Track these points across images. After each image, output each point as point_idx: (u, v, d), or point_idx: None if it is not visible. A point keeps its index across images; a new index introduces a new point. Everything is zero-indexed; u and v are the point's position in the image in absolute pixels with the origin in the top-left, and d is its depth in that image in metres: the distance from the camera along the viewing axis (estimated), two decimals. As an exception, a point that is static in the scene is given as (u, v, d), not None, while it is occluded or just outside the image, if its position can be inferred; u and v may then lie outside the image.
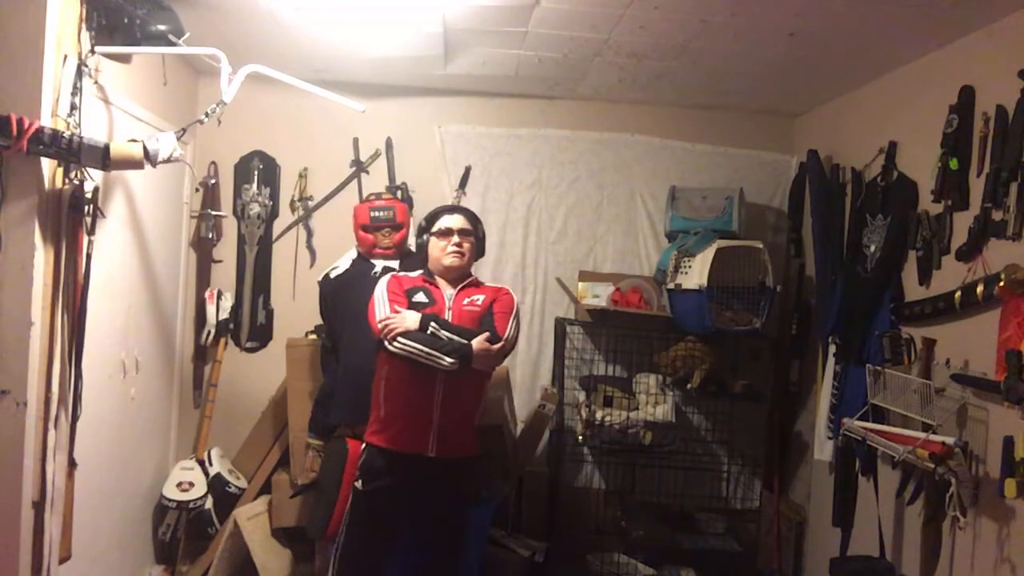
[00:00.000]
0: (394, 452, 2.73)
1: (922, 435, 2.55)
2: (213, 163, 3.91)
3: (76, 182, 2.47)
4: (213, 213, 3.88)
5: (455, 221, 2.88)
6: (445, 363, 2.61)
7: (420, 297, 2.80)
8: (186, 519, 3.55)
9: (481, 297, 2.85)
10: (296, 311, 3.90)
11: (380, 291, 2.80)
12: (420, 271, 2.92)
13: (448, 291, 2.84)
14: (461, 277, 2.88)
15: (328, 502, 3.07)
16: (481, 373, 2.81)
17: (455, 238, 2.84)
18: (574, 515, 3.87)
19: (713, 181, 4.00)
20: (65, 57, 2.40)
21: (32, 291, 2.32)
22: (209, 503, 3.57)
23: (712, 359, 3.62)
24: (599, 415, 3.62)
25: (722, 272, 3.54)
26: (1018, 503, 2.33)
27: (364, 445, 2.79)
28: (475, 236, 2.92)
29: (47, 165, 2.36)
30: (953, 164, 2.69)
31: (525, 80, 3.74)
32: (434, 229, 2.87)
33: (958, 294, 2.62)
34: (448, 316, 2.77)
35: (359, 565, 2.78)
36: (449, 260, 2.83)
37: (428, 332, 2.65)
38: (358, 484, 2.79)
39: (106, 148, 2.39)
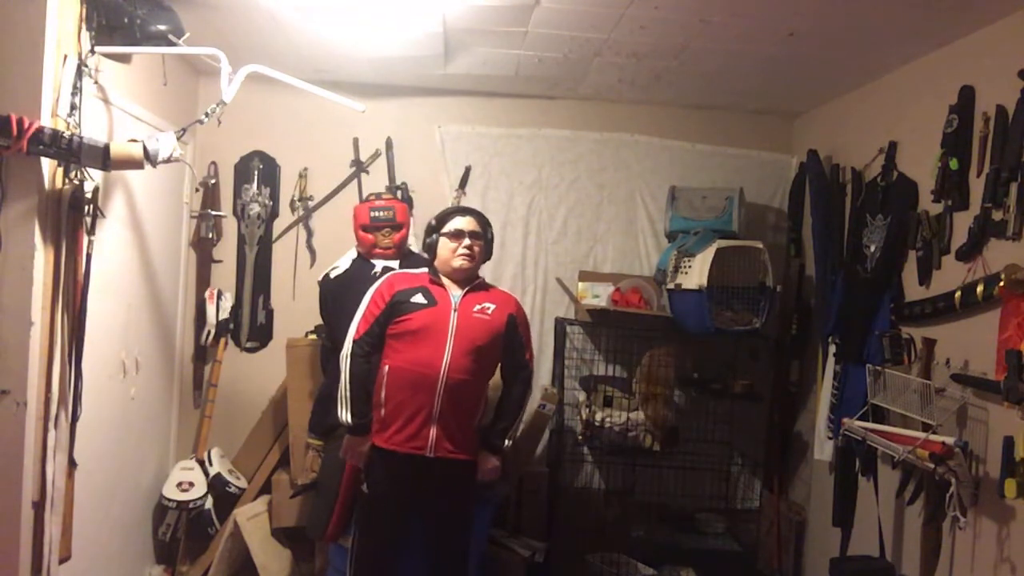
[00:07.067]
0: (394, 453, 2.73)
1: (922, 435, 2.55)
2: (213, 163, 3.91)
3: (76, 182, 2.47)
4: (213, 213, 3.88)
5: (467, 223, 2.87)
6: None
7: (419, 299, 2.78)
8: (186, 519, 3.55)
9: (492, 306, 2.84)
10: (296, 311, 3.90)
11: (367, 299, 2.83)
12: (425, 269, 2.91)
13: (455, 292, 2.83)
14: (469, 278, 2.87)
15: (328, 502, 3.07)
16: (483, 377, 2.81)
17: (466, 240, 2.83)
18: (574, 515, 3.87)
19: (713, 181, 4.00)
20: (65, 57, 2.40)
21: (32, 291, 2.32)
22: (209, 503, 3.57)
23: (674, 371, 3.59)
24: (599, 416, 3.61)
25: (722, 272, 3.54)
26: (1018, 503, 2.33)
27: (369, 447, 2.79)
28: (484, 239, 2.91)
29: (47, 165, 2.36)
30: (953, 164, 2.69)
31: (525, 80, 3.74)
32: (445, 230, 2.86)
33: (958, 294, 2.61)
34: (454, 318, 2.76)
35: (373, 567, 2.78)
36: (459, 262, 2.82)
37: None
38: (363, 488, 2.79)
39: (106, 148, 2.39)
